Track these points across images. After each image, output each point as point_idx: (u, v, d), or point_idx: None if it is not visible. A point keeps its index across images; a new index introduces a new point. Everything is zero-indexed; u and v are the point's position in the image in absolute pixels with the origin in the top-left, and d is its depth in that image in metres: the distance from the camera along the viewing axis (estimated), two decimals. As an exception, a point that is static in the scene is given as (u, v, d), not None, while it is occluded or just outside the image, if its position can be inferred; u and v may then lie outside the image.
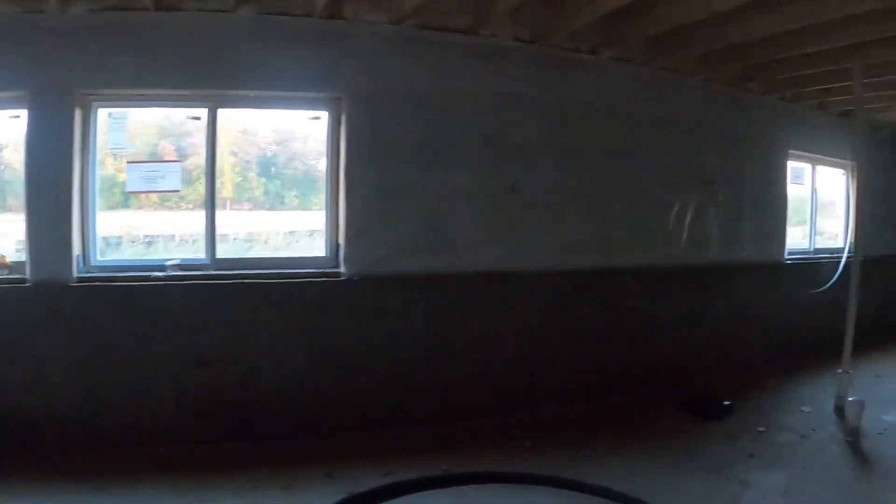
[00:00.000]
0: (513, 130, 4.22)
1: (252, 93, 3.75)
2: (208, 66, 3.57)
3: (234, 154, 4.19)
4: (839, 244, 6.74)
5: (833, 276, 5.32)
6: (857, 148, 5.06)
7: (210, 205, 3.76)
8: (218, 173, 3.82)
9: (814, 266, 6.14)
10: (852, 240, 6.92)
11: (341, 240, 3.89)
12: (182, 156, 3.95)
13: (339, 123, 3.89)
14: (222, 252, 3.84)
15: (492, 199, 4.17)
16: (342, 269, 3.87)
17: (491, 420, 4.13)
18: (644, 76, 4.80)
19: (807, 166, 6.53)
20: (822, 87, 5.39)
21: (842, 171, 6.98)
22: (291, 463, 3.46)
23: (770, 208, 5.81)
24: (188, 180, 3.93)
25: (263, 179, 4.32)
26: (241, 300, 3.64)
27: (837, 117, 6.48)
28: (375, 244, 3.89)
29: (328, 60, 3.78)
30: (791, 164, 6.20)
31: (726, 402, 4.64)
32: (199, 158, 3.83)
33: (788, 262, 6.01)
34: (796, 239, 6.54)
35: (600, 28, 4.15)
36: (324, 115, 3.94)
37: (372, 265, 3.87)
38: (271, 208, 4.28)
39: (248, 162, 4.26)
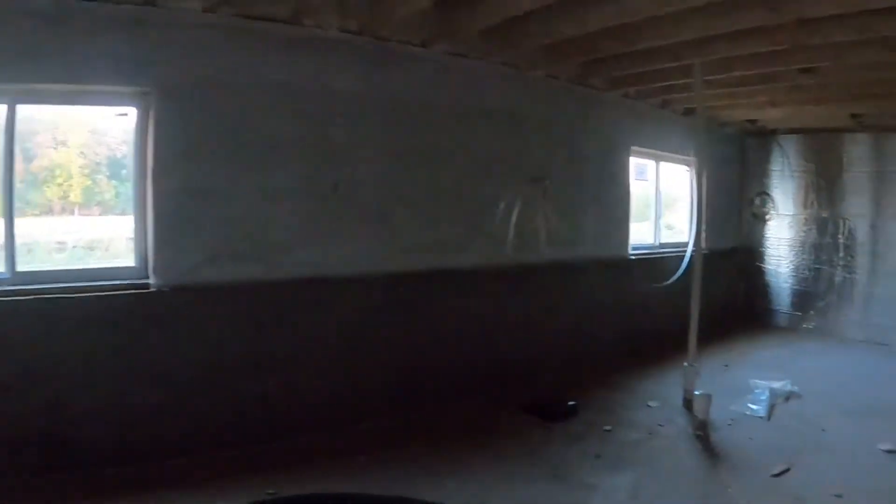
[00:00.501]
0: (338, 127, 4.30)
1: (57, 87, 3.59)
2: (3, 57, 3.36)
3: (83, 155, 4.05)
4: (685, 239, 7.63)
5: (678, 270, 5.81)
6: (701, 145, 5.50)
7: (8, 213, 3.56)
8: (65, 176, 3.75)
9: (659, 261, 6.85)
10: (697, 234, 8.03)
11: (150, 248, 3.80)
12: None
13: (147, 120, 3.80)
14: (27, 265, 3.65)
15: (315, 200, 4.22)
16: (151, 279, 3.79)
17: (323, 435, 4.19)
18: (480, 71, 5.01)
19: (651, 162, 7.31)
20: (664, 83, 5.83)
21: (686, 167, 7.88)
22: (100, 495, 3.37)
23: (613, 204, 6.38)
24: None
25: (115, 182, 4.19)
26: (43, 318, 3.49)
27: (681, 115, 7.19)
28: (187, 252, 3.82)
29: (138, 51, 3.66)
30: (635, 161, 6.88)
31: (571, 403, 4.90)
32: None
33: (633, 257, 6.65)
34: (641, 234, 7.23)
35: (431, 19, 4.29)
36: (133, 112, 3.83)
37: (184, 275, 3.81)
38: (123, 213, 4.12)
39: (97, 164, 4.12)
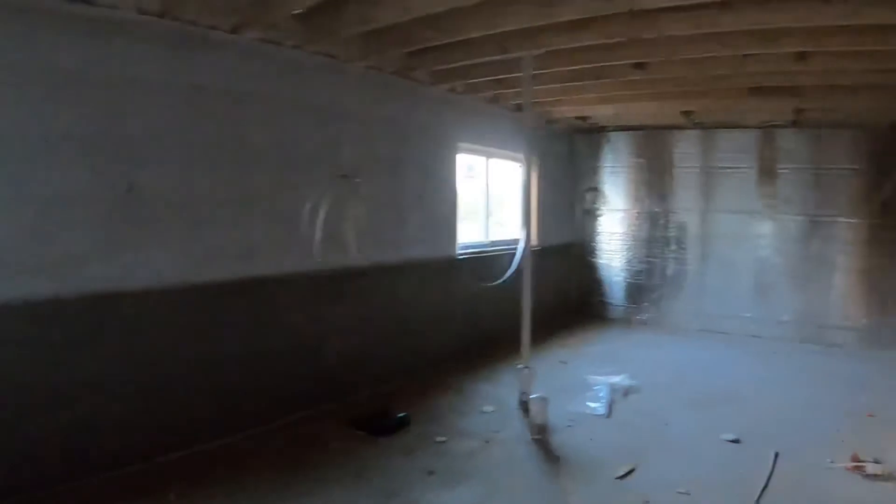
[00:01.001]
0: (133, 121, 4.11)
1: None
2: None
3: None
4: (516, 236, 8.26)
5: (510, 268, 6.17)
6: (530, 141, 5.76)
7: None
8: None
9: (490, 259, 7.37)
10: (530, 231, 8.76)
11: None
12: None
13: None
14: None
15: (107, 204, 4.01)
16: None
17: (130, 469, 4.06)
18: (297, 61, 5.04)
19: (481, 159, 7.83)
20: (493, 78, 6.14)
21: (518, 163, 8.53)
22: None
23: (440, 202, 6.75)
24: None
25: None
26: None
27: (513, 111, 7.68)
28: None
29: None
30: (465, 158, 7.35)
31: (402, 414, 5.02)
32: None
33: (462, 257, 7.08)
34: (472, 233, 7.72)
35: (241, 2, 4.17)
36: None
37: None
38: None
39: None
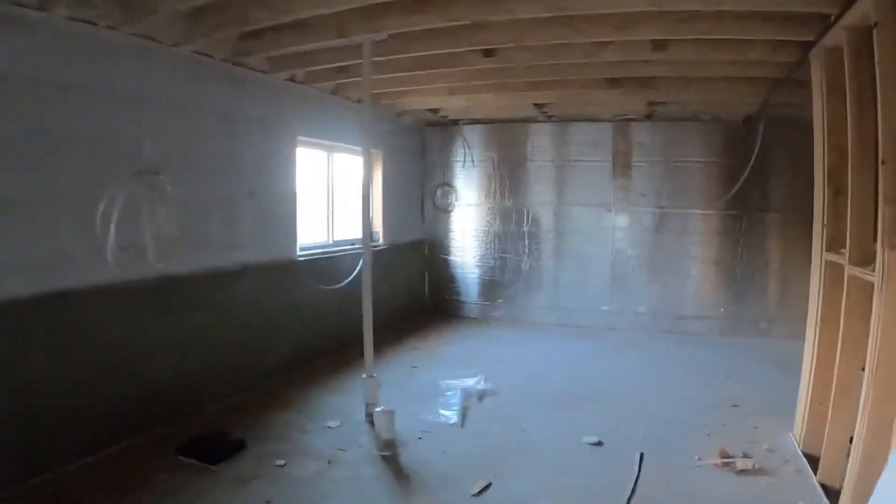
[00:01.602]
0: None
1: None
2: None
3: None
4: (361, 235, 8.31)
5: (356, 268, 6.10)
6: (371, 135, 5.73)
7: None
8: None
9: (334, 260, 7.40)
10: (376, 229, 8.86)
11: None
12: None
13: None
14: None
15: None
16: None
17: None
18: (112, 44, 4.75)
19: (323, 154, 7.78)
20: (334, 65, 6.06)
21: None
22: None
23: (277, 201, 6.64)
24: None
25: None
26: None
27: (357, 102, 7.66)
28: None
29: None
30: (305, 152, 7.29)
31: (237, 437, 4.84)
32: None
33: (303, 258, 7.02)
34: (315, 232, 7.68)
35: None
36: None
37: None
38: None
39: None
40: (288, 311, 6.80)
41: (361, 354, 5.61)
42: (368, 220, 5.51)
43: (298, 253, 7.01)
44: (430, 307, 10.42)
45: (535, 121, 9.57)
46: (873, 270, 3.39)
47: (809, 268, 4.87)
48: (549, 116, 9.26)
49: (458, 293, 10.39)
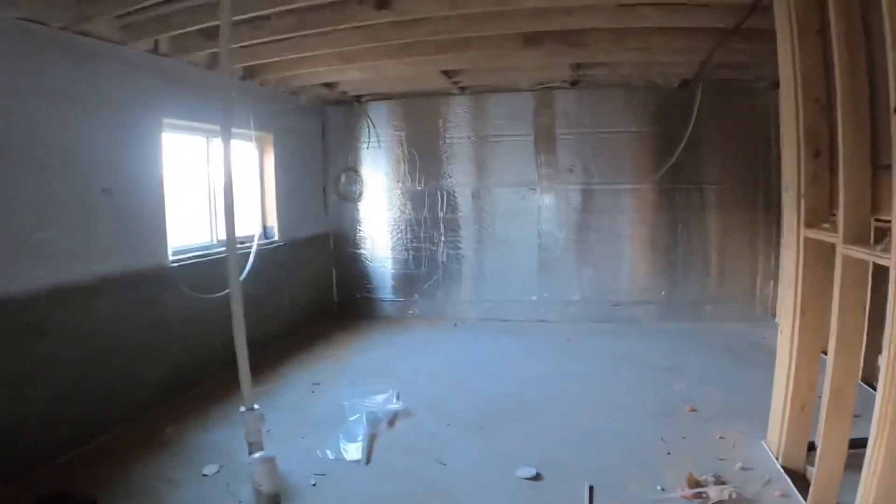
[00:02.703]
0: None
1: None
2: None
3: None
4: (254, 231, 7.46)
5: (243, 270, 5.37)
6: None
7: None
8: None
9: (217, 263, 6.38)
10: (270, 224, 8.00)
11: None
12: None
13: None
14: None
15: None
16: None
17: None
18: None
19: (201, 140, 6.89)
20: (197, 27, 5.24)
21: (252, 144, 7.68)
22: None
23: (139, 197, 5.70)
24: None
25: None
26: None
27: (240, 79, 6.89)
28: None
29: None
30: (178, 139, 6.44)
31: (85, 498, 4.04)
32: None
33: (177, 264, 6.11)
34: (196, 232, 6.82)
35: None
36: None
37: None
38: None
39: None
40: (159, 328, 5.87)
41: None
42: (232, 216, 4.32)
43: (171, 258, 6.08)
44: (340, 308, 9.70)
45: (447, 93, 8.94)
46: (884, 251, 2.79)
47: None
48: (463, 88, 8.66)
49: (370, 290, 9.66)
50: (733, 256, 8.52)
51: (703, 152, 8.38)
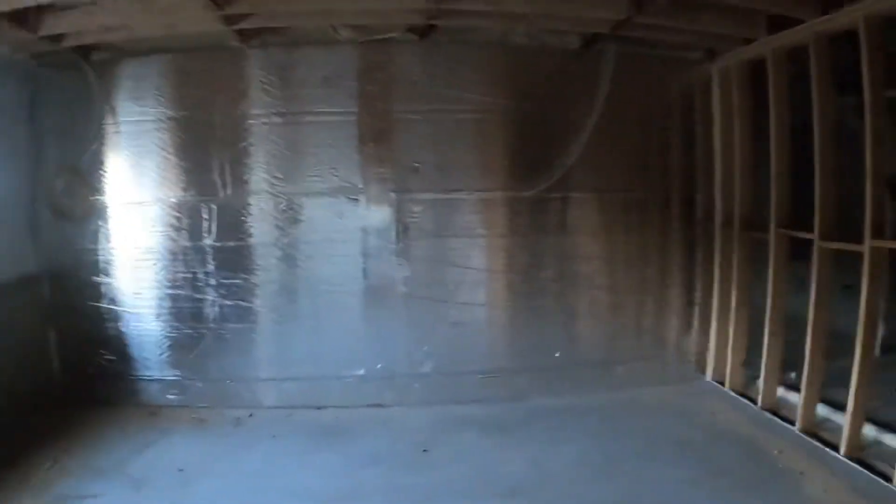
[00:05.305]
0: None
1: None
2: None
3: None
4: None
5: None
6: None
7: None
8: None
9: None
10: None
11: None
12: None
13: None
14: None
15: None
16: None
17: None
18: None
19: None
20: None
21: None
22: None
23: None
24: None
25: None
26: None
27: None
28: None
29: None
30: None
31: None
32: None
33: None
34: None
35: None
36: None
37: None
38: None
39: None
40: None
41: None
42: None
43: None
44: (65, 390, 6.50)
45: (226, 48, 6.11)
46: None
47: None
48: (249, 37, 5.97)
49: (113, 361, 6.52)
50: (647, 294, 6.84)
51: (606, 147, 6.47)
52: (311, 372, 6.32)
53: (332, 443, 5.46)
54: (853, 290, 5.28)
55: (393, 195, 6.25)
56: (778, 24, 5.36)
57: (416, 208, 6.28)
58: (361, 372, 6.31)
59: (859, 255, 4.75)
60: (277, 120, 6.26)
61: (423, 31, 5.97)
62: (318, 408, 6.16)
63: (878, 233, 4.58)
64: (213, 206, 6.32)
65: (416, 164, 6.24)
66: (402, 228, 6.28)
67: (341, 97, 6.19)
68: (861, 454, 4.70)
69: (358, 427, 5.77)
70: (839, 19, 4.74)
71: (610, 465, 4.92)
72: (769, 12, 5.36)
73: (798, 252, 5.68)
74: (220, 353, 6.42)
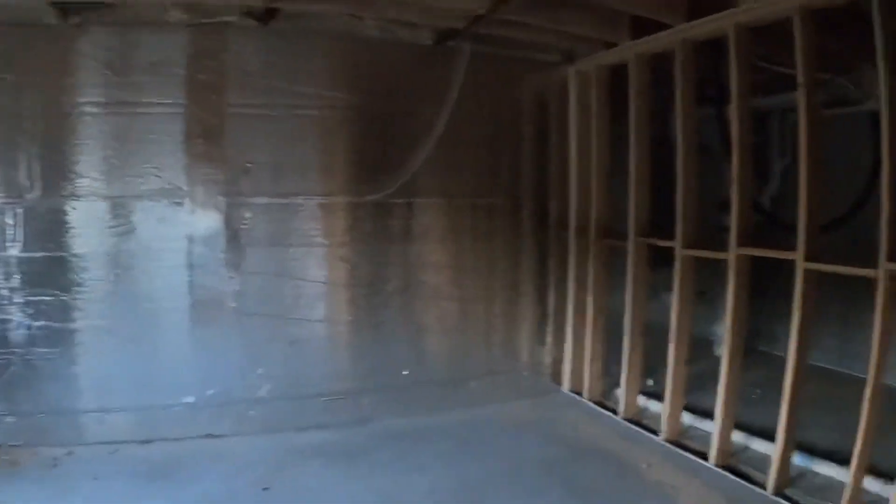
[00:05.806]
0: None
1: None
2: None
3: None
4: None
5: None
6: None
7: None
8: None
9: None
10: None
11: None
12: None
13: None
14: None
15: None
16: None
17: None
18: None
19: None
20: None
21: None
22: None
23: None
24: None
25: None
26: None
27: None
28: None
29: None
30: None
31: None
32: None
33: None
34: None
35: None
36: None
37: None
38: None
39: None
40: None
41: None
42: None
43: None
44: None
45: (43, 25, 5.29)
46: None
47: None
48: (69, 14, 5.22)
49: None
50: (498, 304, 6.71)
51: (456, 150, 6.31)
52: (136, 401, 5.57)
53: (160, 486, 4.73)
54: (706, 296, 5.16)
55: (222, 199, 5.71)
56: (641, 28, 5.31)
57: (248, 214, 5.74)
58: (191, 399, 5.65)
59: (713, 263, 4.73)
60: (99, 111, 5.53)
61: (263, 16, 5.49)
62: (146, 441, 5.44)
63: (743, 241, 4.59)
64: (20, 210, 5.45)
65: (249, 165, 5.69)
66: (232, 236, 5.76)
67: (169, 86, 5.56)
68: (731, 461, 4.75)
69: (190, 463, 5.08)
70: (708, 26, 4.73)
71: (469, 494, 4.62)
72: (633, 13, 5.30)
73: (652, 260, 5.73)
74: (30, 382, 5.50)
